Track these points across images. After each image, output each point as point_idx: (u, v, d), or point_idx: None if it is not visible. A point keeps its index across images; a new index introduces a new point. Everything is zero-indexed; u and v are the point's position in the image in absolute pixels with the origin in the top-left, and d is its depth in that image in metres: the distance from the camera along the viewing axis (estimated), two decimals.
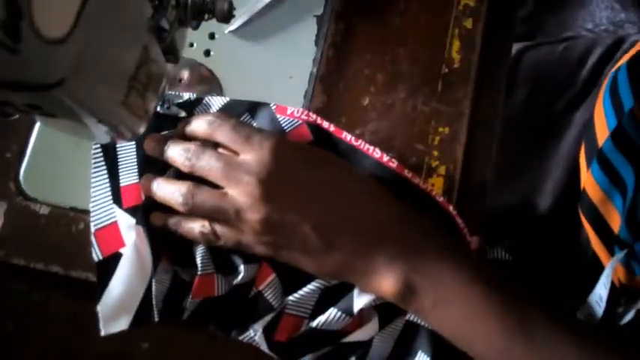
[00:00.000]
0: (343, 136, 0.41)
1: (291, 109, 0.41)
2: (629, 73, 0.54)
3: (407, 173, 0.40)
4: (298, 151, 0.38)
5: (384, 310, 0.39)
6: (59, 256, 0.44)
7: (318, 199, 0.37)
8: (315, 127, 0.41)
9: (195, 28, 0.34)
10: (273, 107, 0.42)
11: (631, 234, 0.49)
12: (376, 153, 0.40)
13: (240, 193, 0.35)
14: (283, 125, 0.41)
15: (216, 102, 0.42)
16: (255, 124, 0.42)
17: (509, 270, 0.45)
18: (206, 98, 0.43)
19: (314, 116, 0.41)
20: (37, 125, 0.46)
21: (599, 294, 0.43)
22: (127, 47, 0.28)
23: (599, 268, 0.55)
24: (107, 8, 0.25)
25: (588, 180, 0.55)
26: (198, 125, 0.38)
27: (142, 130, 0.36)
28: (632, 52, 0.58)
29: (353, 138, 0.41)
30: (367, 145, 0.41)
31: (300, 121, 0.41)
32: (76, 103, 0.26)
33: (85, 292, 0.41)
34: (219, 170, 0.36)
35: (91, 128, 0.32)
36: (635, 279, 0.48)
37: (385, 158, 0.40)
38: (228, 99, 0.43)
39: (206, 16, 0.33)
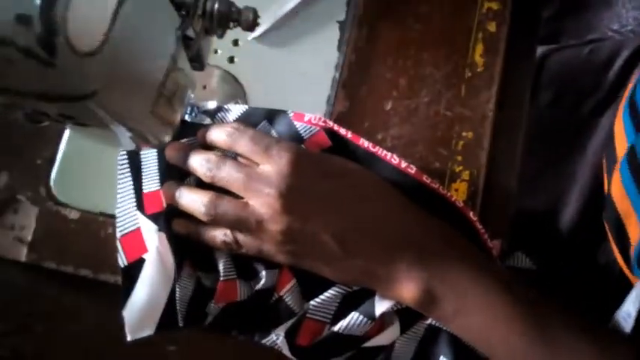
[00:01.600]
0: (361, 142, 0.41)
1: (309, 115, 0.42)
2: None
3: (426, 179, 0.40)
4: (317, 161, 0.38)
5: (405, 314, 0.39)
6: (88, 260, 0.45)
7: (338, 208, 0.37)
8: (332, 134, 0.41)
9: (221, 36, 0.35)
10: (291, 114, 0.42)
11: None
12: (394, 159, 0.40)
13: (261, 205, 0.36)
14: (301, 132, 0.41)
15: (235, 110, 0.43)
16: (273, 132, 0.42)
17: (531, 277, 0.44)
18: (225, 106, 0.43)
19: (331, 123, 0.41)
20: (67, 132, 0.47)
21: (628, 311, 0.42)
22: (156, 57, 0.29)
23: (625, 279, 0.54)
24: (137, 21, 0.25)
25: (616, 186, 0.54)
26: (218, 136, 0.39)
27: (169, 136, 0.37)
28: None
29: (370, 144, 0.41)
30: (385, 152, 0.40)
31: (318, 128, 0.41)
32: (107, 113, 0.27)
33: (114, 296, 0.41)
34: (239, 181, 0.36)
35: (119, 136, 0.33)
36: None
37: (403, 164, 0.40)
38: (246, 107, 0.43)
39: (231, 25, 0.34)
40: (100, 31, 0.23)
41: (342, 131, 0.41)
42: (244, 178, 0.36)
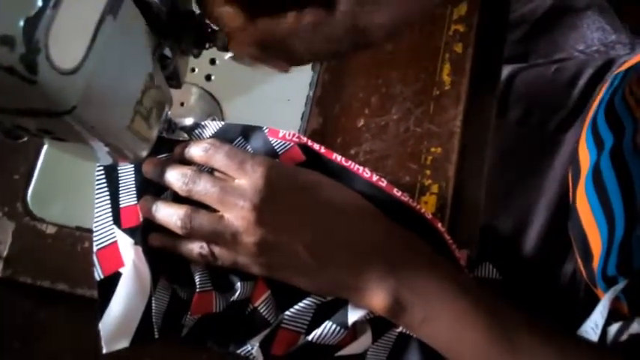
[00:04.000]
0: (334, 157, 0.42)
1: (283, 132, 0.43)
2: (606, 109, 0.56)
3: (396, 192, 0.41)
4: (290, 175, 0.40)
5: (377, 323, 0.40)
6: (65, 274, 0.45)
7: (310, 221, 0.38)
8: (306, 149, 0.43)
9: (197, 56, 0.36)
10: (266, 130, 0.43)
11: (619, 272, 0.50)
12: (366, 173, 0.42)
13: (236, 217, 0.37)
14: (276, 148, 0.43)
15: (211, 126, 0.44)
16: (249, 148, 0.43)
17: (497, 287, 0.46)
18: (202, 122, 0.45)
19: (304, 139, 0.43)
20: (45, 148, 0.48)
21: (595, 321, 0.44)
22: (133, 75, 0.30)
23: (590, 291, 0.56)
24: (115, 41, 0.27)
25: (582, 202, 0.56)
26: (195, 151, 0.40)
27: (146, 152, 0.38)
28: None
29: (343, 159, 0.42)
30: (357, 166, 0.42)
31: (292, 143, 0.43)
32: (85, 128, 0.28)
33: (90, 310, 0.42)
34: (215, 195, 0.38)
35: (96, 151, 0.34)
36: (620, 304, 0.49)
37: (374, 178, 0.42)
38: (223, 123, 0.44)
39: (207, 45, 0.35)
40: (80, 50, 0.24)
41: (316, 146, 0.43)
42: (219, 192, 0.38)
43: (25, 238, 0.46)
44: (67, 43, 0.24)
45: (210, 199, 0.38)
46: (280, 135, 0.43)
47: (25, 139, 0.38)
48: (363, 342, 0.41)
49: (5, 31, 0.21)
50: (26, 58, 0.22)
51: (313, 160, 0.43)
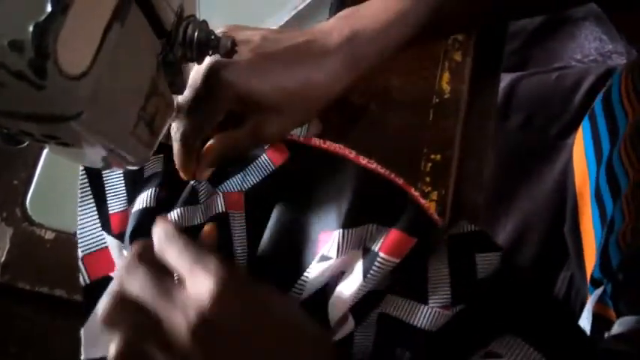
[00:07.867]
0: (313, 142, 0.43)
1: None
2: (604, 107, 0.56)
3: (362, 159, 0.42)
4: (240, 293, 0.35)
5: (356, 309, 0.39)
6: (63, 281, 0.45)
7: (248, 352, 0.35)
8: (288, 142, 0.43)
9: (200, 62, 0.36)
10: None
11: (603, 274, 0.50)
12: (339, 148, 0.42)
13: (172, 330, 0.32)
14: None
15: None
16: None
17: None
18: None
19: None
20: (44, 155, 0.48)
21: (583, 327, 0.44)
22: (138, 81, 0.30)
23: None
24: (122, 47, 0.27)
25: (586, 217, 0.56)
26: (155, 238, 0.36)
27: (146, 158, 0.38)
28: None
29: (320, 141, 0.43)
30: (328, 142, 0.43)
31: None
32: (90, 133, 0.28)
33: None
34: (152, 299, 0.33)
35: (96, 156, 0.34)
36: (608, 310, 0.50)
37: (344, 151, 0.42)
38: None
39: (210, 52, 0.35)
40: (87, 56, 0.25)
41: (295, 137, 0.44)
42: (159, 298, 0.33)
43: (23, 244, 0.46)
44: (75, 49, 0.24)
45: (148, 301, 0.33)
46: None
47: (25, 144, 0.38)
48: (347, 328, 0.39)
49: (15, 35, 0.21)
50: (35, 62, 0.22)
51: (296, 154, 0.43)
